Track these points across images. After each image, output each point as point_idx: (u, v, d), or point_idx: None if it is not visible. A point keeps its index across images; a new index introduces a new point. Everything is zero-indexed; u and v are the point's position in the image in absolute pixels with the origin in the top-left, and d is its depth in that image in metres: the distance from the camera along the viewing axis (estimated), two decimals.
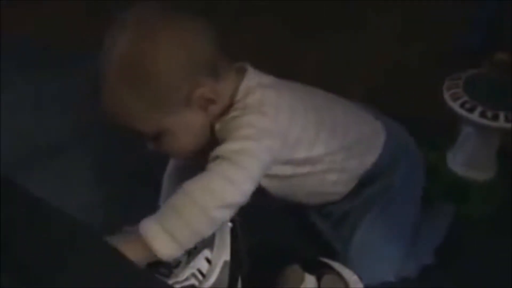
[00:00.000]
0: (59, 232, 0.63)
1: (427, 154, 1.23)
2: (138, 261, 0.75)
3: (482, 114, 1.09)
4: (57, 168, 1.24)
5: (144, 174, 1.17)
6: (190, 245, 0.80)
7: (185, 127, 0.86)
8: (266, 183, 0.91)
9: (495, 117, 1.08)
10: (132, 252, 0.74)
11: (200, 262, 0.86)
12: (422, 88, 1.39)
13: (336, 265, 0.92)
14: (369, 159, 0.98)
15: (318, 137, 0.90)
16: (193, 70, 0.83)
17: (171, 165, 1.04)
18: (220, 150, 0.82)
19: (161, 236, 0.78)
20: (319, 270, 0.91)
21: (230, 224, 0.90)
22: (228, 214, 0.82)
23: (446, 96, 1.13)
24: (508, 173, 1.20)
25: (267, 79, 0.90)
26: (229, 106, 0.86)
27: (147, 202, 1.07)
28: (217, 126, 0.86)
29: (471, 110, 1.10)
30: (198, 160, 0.87)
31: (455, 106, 1.11)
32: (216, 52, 0.85)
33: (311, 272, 0.90)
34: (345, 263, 0.94)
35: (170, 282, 0.82)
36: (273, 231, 0.97)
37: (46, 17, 1.74)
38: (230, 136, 0.82)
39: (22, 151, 1.27)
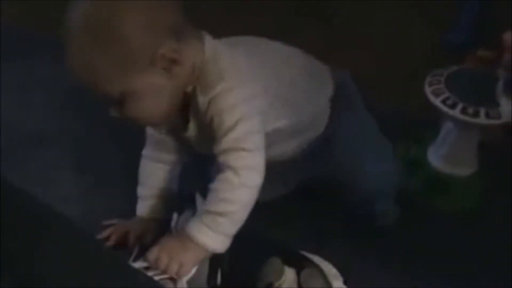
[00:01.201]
0: (34, 222, 0.63)
1: (410, 148, 1.25)
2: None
3: (463, 111, 1.10)
4: (40, 158, 1.23)
5: (127, 165, 1.17)
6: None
7: (150, 89, 0.85)
8: None
9: (476, 114, 1.09)
10: (194, 257, 0.85)
11: None
12: (407, 83, 1.40)
13: (316, 259, 0.93)
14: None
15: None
16: (156, 30, 0.83)
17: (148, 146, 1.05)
18: (227, 142, 0.85)
19: (219, 240, 0.86)
20: (298, 264, 0.91)
21: None
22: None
23: (428, 92, 1.14)
24: (488, 168, 1.21)
25: (225, 41, 0.92)
26: (200, 72, 0.87)
27: (129, 193, 1.08)
28: (201, 99, 0.87)
29: (452, 106, 1.10)
30: (170, 130, 0.91)
31: (437, 102, 1.12)
32: (179, 16, 0.86)
33: (290, 265, 0.91)
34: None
35: (149, 273, 0.83)
36: (252, 224, 0.97)
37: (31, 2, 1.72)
38: (225, 121, 0.85)
39: (5, 140, 1.26)
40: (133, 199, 1.05)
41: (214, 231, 0.85)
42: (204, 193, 0.88)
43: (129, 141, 1.22)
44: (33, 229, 0.64)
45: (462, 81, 1.15)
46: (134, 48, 0.82)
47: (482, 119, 1.09)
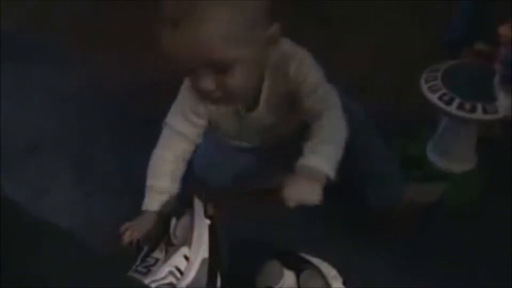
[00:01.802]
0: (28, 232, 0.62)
1: (408, 145, 1.25)
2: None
3: (460, 106, 1.09)
4: (35, 166, 1.23)
5: (122, 175, 1.18)
6: None
7: (253, 63, 0.93)
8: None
9: (473, 109, 1.09)
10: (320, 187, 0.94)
11: (178, 260, 0.86)
12: (405, 80, 1.39)
13: (315, 261, 0.93)
14: None
15: None
16: (269, 10, 0.92)
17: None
18: (320, 94, 1.00)
19: (334, 167, 0.97)
20: (298, 266, 0.91)
21: (208, 221, 0.90)
22: None
23: (425, 88, 1.13)
24: (488, 164, 1.21)
25: None
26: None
27: (124, 201, 1.08)
28: (275, 74, 0.99)
29: (449, 102, 1.10)
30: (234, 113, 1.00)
31: (434, 98, 1.11)
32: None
33: (290, 267, 0.90)
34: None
35: (148, 280, 0.82)
36: (252, 227, 0.97)
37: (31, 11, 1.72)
38: (312, 82, 1.00)
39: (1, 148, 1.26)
40: (130, 206, 1.05)
41: (330, 160, 0.96)
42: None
43: (126, 149, 1.23)
44: (27, 240, 0.64)
45: (459, 77, 1.14)
46: (256, 21, 0.90)
47: (479, 115, 1.08)
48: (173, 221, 0.93)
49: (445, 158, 1.19)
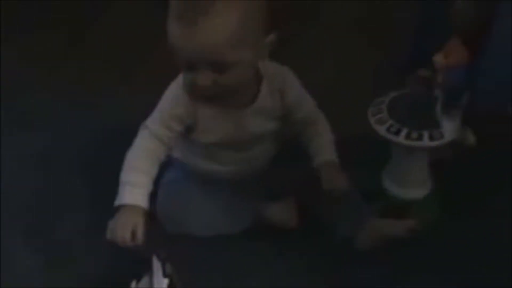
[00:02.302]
0: None
1: (363, 174, 1.26)
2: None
3: (408, 136, 1.12)
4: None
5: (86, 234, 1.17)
6: None
7: (250, 66, 1.01)
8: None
9: (420, 137, 1.11)
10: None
11: None
12: (355, 108, 1.41)
13: None
14: None
15: None
16: (268, 17, 0.99)
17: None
18: (311, 106, 1.17)
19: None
20: None
21: (166, 281, 0.90)
22: None
23: (372, 121, 1.16)
24: (443, 187, 1.23)
25: None
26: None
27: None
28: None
29: (397, 133, 1.12)
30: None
31: (382, 130, 1.14)
32: None
33: None
34: None
35: None
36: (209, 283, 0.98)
37: None
38: (303, 96, 1.15)
39: None
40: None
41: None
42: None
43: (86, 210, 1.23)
44: None
45: (404, 107, 1.17)
46: (260, 26, 0.97)
47: (426, 142, 1.11)
48: (133, 284, 0.94)
49: (401, 186, 1.21)
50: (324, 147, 1.14)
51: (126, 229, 0.96)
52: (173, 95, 1.06)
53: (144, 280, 0.93)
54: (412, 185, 1.22)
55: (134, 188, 1.01)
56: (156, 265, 0.93)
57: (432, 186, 1.23)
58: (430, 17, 1.45)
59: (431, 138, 1.11)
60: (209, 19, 0.92)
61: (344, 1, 1.90)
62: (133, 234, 0.96)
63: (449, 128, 1.12)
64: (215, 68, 0.95)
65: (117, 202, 1.00)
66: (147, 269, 0.94)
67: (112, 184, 1.03)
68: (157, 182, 1.10)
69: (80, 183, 1.30)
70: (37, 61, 1.66)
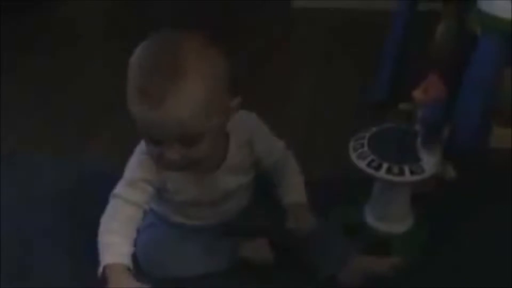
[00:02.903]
0: None
1: (346, 211, 1.27)
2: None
3: (389, 171, 1.12)
4: None
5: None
6: None
7: (218, 131, 1.01)
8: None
9: (401, 172, 1.12)
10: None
11: None
12: (336, 144, 1.42)
13: None
14: None
15: None
16: (232, 82, 0.99)
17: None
18: (280, 149, 1.17)
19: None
20: None
21: None
22: None
23: (353, 157, 1.16)
24: (426, 220, 1.24)
25: None
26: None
27: None
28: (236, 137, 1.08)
29: (377, 168, 1.13)
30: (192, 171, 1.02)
31: (363, 165, 1.14)
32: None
33: None
34: None
35: None
36: None
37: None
38: (273, 141, 1.16)
39: None
40: None
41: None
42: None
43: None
44: None
45: (384, 141, 1.18)
46: (222, 94, 0.97)
47: (407, 177, 1.12)
48: None
49: (383, 220, 1.22)
50: (292, 188, 1.15)
51: None
52: (138, 161, 1.05)
53: None
54: (393, 219, 1.22)
55: (110, 249, 1.00)
56: None
57: (413, 220, 1.24)
58: (409, 51, 1.48)
59: (412, 172, 1.12)
60: (175, 96, 0.90)
61: (320, 34, 1.94)
62: None
63: (430, 162, 1.13)
64: (183, 142, 0.95)
65: (100, 268, 0.99)
66: None
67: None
68: None
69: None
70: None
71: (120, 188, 1.05)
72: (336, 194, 1.29)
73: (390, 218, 1.22)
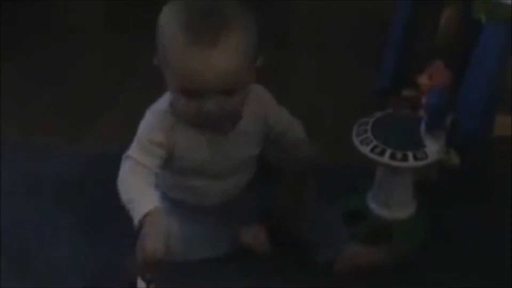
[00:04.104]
0: None
1: (349, 198, 1.27)
2: None
3: (392, 156, 1.12)
4: None
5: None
6: None
7: (249, 88, 1.02)
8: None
9: (405, 158, 1.12)
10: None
11: None
12: (339, 129, 1.41)
13: None
14: None
15: None
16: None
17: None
18: (288, 116, 1.16)
19: None
20: None
21: None
22: None
23: (356, 142, 1.16)
24: (428, 207, 1.24)
25: None
26: None
27: None
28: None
29: (381, 153, 1.12)
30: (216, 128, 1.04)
31: (366, 151, 1.14)
32: None
33: None
34: None
35: None
36: None
37: None
38: (281, 110, 1.15)
39: None
40: None
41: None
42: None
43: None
44: None
45: (388, 127, 1.17)
46: (255, 51, 0.99)
47: (410, 162, 1.11)
48: None
49: (385, 207, 1.21)
50: (296, 157, 1.16)
51: (158, 239, 0.92)
52: (150, 123, 1.05)
53: None
54: (396, 205, 1.22)
55: (139, 198, 0.98)
56: (141, 286, 0.91)
57: (415, 206, 1.23)
58: (414, 38, 1.47)
59: (416, 158, 1.12)
60: (226, 42, 0.92)
61: (326, 22, 1.93)
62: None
63: (433, 149, 1.13)
64: (223, 93, 0.96)
65: (136, 220, 0.96)
66: None
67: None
68: None
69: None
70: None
71: (133, 151, 1.05)
72: (339, 180, 1.29)
73: (392, 205, 1.21)
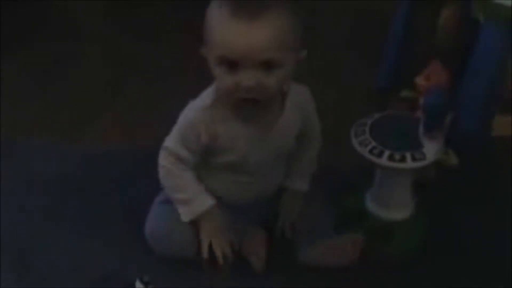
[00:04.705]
0: None
1: (347, 197, 1.27)
2: None
3: (390, 158, 1.12)
4: None
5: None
6: None
7: (291, 68, 1.02)
8: None
9: (403, 159, 1.12)
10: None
11: None
12: (338, 131, 1.42)
13: None
14: None
15: None
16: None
17: None
18: (317, 132, 1.19)
19: None
20: None
21: None
22: None
23: (355, 143, 1.16)
24: (426, 208, 1.24)
25: None
26: None
27: None
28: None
29: (379, 154, 1.13)
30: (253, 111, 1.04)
31: (365, 152, 1.14)
32: None
33: None
34: None
35: None
36: None
37: None
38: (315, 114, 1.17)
39: None
40: None
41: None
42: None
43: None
44: None
45: (386, 128, 1.17)
46: (300, 33, 1.02)
47: (409, 163, 1.11)
48: None
49: (384, 207, 1.22)
50: (301, 174, 1.19)
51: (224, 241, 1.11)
52: (190, 117, 1.07)
53: None
54: (395, 206, 1.22)
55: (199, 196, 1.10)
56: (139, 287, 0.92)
57: (414, 207, 1.24)
58: (413, 38, 1.47)
59: (414, 159, 1.12)
60: (265, 18, 0.95)
61: (326, 22, 1.93)
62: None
63: (432, 149, 1.13)
64: (261, 68, 0.98)
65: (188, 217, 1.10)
66: None
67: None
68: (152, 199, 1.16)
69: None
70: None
71: (172, 143, 1.09)
72: (338, 181, 1.29)
73: (391, 205, 1.21)
